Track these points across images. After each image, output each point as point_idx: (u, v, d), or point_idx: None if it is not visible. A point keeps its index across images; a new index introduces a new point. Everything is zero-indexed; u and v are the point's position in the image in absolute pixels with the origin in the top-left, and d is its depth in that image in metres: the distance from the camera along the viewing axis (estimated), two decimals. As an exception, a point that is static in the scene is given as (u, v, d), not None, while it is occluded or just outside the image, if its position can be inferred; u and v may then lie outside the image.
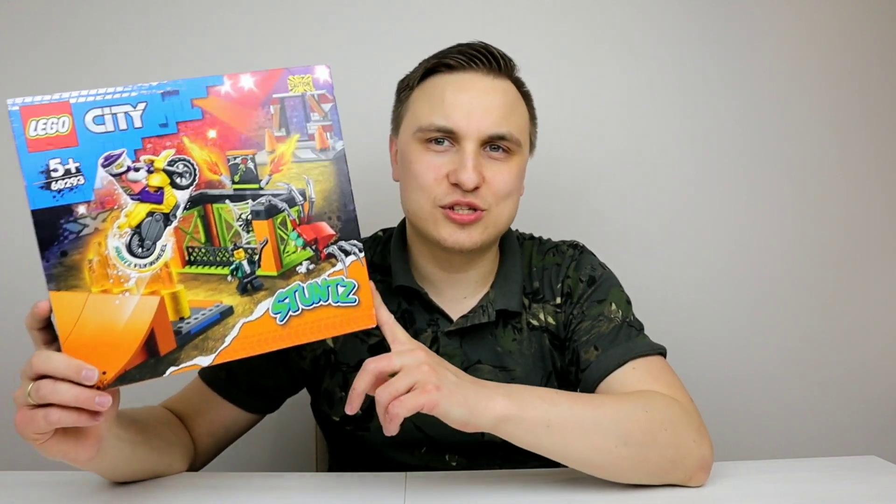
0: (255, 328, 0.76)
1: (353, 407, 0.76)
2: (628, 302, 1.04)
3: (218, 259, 0.75)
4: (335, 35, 1.51)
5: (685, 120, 1.57)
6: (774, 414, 1.62)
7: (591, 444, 0.82)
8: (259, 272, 0.76)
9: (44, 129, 0.70)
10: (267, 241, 0.76)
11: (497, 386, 0.82)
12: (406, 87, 1.02)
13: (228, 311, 0.75)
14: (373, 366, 0.77)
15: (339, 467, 1.14)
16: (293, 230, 0.77)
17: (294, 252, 0.77)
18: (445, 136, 0.95)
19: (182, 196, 0.74)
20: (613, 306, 1.02)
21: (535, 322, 1.06)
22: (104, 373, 0.71)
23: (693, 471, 0.87)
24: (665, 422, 0.85)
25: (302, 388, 1.10)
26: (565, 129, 1.54)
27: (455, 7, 1.52)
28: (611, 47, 1.55)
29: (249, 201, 0.76)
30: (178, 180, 0.74)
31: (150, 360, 0.73)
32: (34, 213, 0.70)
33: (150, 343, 0.73)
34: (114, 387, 0.71)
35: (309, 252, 0.77)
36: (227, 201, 0.75)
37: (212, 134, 0.74)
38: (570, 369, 1.03)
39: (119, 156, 0.72)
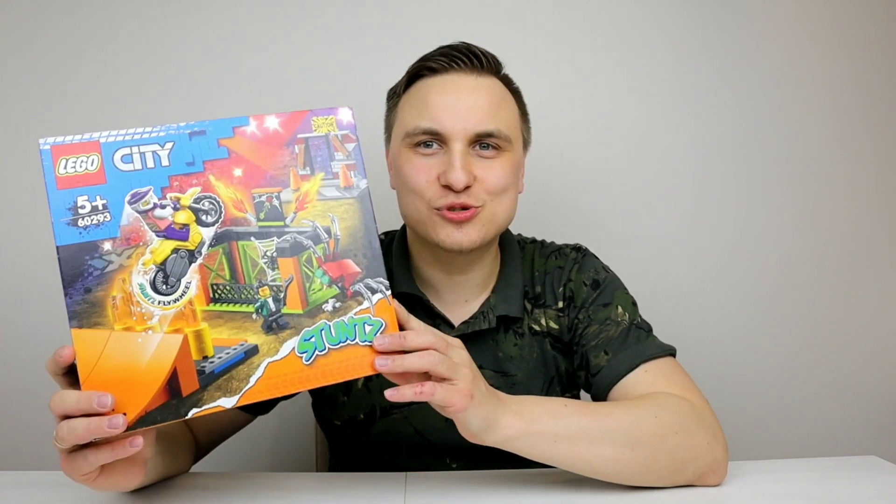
0: (281, 368, 0.74)
1: (388, 346, 0.74)
2: (634, 304, 1.04)
3: (243, 297, 0.74)
4: (333, 40, 1.55)
5: (685, 121, 1.58)
6: (774, 414, 1.62)
7: (598, 455, 0.82)
8: (284, 310, 0.75)
9: (73, 167, 0.71)
10: (292, 279, 0.75)
11: (510, 401, 0.81)
12: (394, 95, 1.04)
13: (253, 350, 0.73)
14: (432, 338, 0.74)
15: (341, 468, 1.11)
16: (319, 268, 0.76)
17: (320, 290, 0.76)
18: (433, 139, 0.96)
19: (207, 233, 0.74)
20: (620, 309, 1.02)
21: (536, 327, 1.06)
22: (124, 414, 0.68)
23: (704, 472, 0.86)
24: (676, 425, 0.85)
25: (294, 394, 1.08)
26: (565, 131, 1.56)
27: (455, 9, 1.54)
28: (611, 49, 1.57)
29: (275, 239, 0.75)
30: (203, 217, 0.74)
31: (173, 400, 0.70)
32: (59, 248, 0.69)
33: (172, 383, 0.70)
34: (135, 429, 0.68)
35: (335, 290, 0.77)
36: (252, 238, 0.75)
37: (237, 172, 0.75)
38: (578, 374, 1.03)
39: (146, 193, 0.72)
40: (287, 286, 0.75)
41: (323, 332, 0.75)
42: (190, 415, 0.71)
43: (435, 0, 1.54)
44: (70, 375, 0.69)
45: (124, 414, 0.67)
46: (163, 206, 0.73)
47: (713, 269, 1.60)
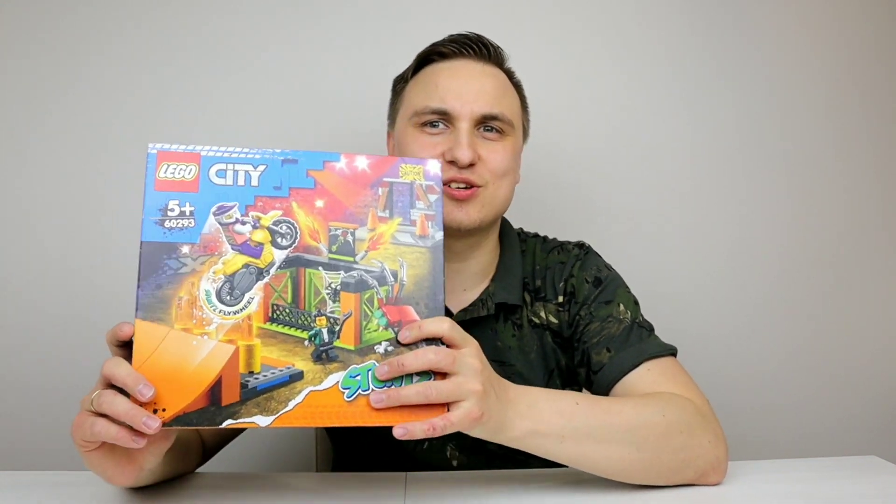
0: (321, 399, 0.74)
1: (387, 374, 0.73)
2: (636, 303, 1.05)
3: (299, 322, 0.75)
4: (336, 32, 1.56)
5: (685, 120, 1.58)
6: (774, 414, 1.61)
7: (605, 455, 0.82)
8: (337, 343, 0.75)
9: (172, 172, 0.76)
10: (351, 314, 0.76)
11: (519, 399, 0.80)
12: (401, 80, 1.08)
13: (298, 376, 0.74)
14: (433, 357, 0.72)
15: (345, 465, 1.10)
16: (379, 308, 0.77)
17: (375, 330, 0.76)
18: (440, 119, 0.99)
19: (279, 255, 0.76)
20: (622, 307, 1.02)
21: (536, 320, 1.06)
22: (164, 410, 0.70)
23: (705, 471, 0.87)
24: (681, 425, 0.85)
25: None
26: (565, 129, 1.56)
27: (457, 8, 1.56)
28: (611, 49, 1.58)
29: (342, 272, 0.77)
30: (279, 240, 0.76)
31: (211, 407, 0.71)
32: (143, 244, 0.73)
33: (214, 390, 0.72)
34: (169, 427, 0.70)
35: (390, 333, 0.76)
36: (320, 268, 0.77)
37: (319, 203, 0.78)
38: (578, 371, 1.03)
39: (231, 208, 0.76)
40: (344, 320, 0.76)
41: (370, 372, 0.75)
42: (224, 425, 0.71)
43: (435, 1, 1.57)
44: (124, 349, 0.72)
45: (161, 421, 0.68)
46: (243, 223, 0.76)
47: (713, 268, 1.60)
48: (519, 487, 0.88)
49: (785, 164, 1.62)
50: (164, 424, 0.70)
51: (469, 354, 0.75)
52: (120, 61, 1.51)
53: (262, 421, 0.72)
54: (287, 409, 0.73)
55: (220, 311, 0.74)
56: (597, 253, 1.12)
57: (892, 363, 1.66)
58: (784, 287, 1.62)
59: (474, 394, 0.74)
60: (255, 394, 0.72)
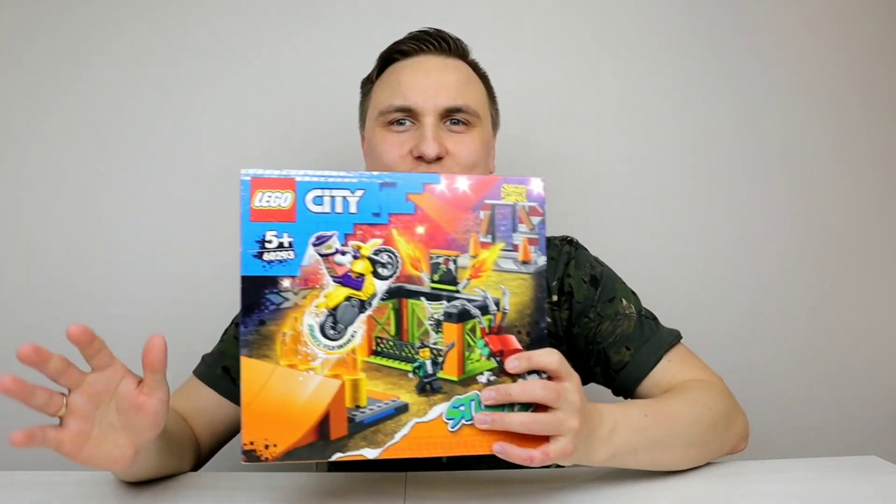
0: (426, 430, 0.74)
1: (493, 401, 0.73)
2: (633, 293, 1.07)
3: (403, 354, 0.74)
4: (336, 32, 1.53)
5: (684, 120, 1.58)
6: (774, 414, 1.62)
7: (669, 457, 0.87)
8: (440, 374, 0.75)
9: (268, 201, 0.72)
10: (454, 345, 0.75)
11: (602, 424, 0.80)
12: (368, 82, 1.10)
13: (404, 408, 0.74)
14: (540, 393, 0.73)
15: (342, 466, 1.15)
16: (481, 338, 0.76)
17: (478, 360, 0.76)
18: (405, 116, 1.00)
19: (381, 286, 0.74)
20: (624, 302, 1.04)
21: None
22: (275, 445, 0.71)
23: (737, 443, 0.95)
24: (721, 412, 0.92)
25: None
26: (565, 130, 1.55)
27: (457, 9, 1.54)
28: (610, 50, 1.56)
29: (444, 302, 0.75)
30: (380, 270, 0.74)
31: (320, 441, 0.72)
32: (243, 278, 0.72)
33: (323, 425, 0.72)
34: (280, 461, 0.71)
35: (493, 363, 0.76)
36: (422, 298, 0.75)
37: (420, 230, 0.75)
38: (594, 371, 1.04)
39: (330, 237, 0.73)
40: (447, 351, 0.75)
41: (473, 402, 0.75)
42: (333, 458, 0.72)
43: (435, 1, 1.54)
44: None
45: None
46: (343, 253, 0.73)
47: (713, 268, 1.60)
48: (519, 487, 0.89)
49: (785, 163, 1.61)
50: (275, 459, 0.71)
51: (571, 390, 0.75)
52: (118, 61, 1.48)
53: (370, 453, 0.73)
54: (394, 441, 0.74)
55: (324, 346, 0.73)
56: (584, 247, 1.12)
57: (892, 363, 1.66)
58: (784, 287, 1.62)
59: (572, 430, 0.74)
60: (362, 427, 0.73)
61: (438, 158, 0.97)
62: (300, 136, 1.52)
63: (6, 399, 1.43)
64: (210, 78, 1.51)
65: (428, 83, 1.00)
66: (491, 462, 0.99)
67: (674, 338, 1.02)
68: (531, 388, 0.73)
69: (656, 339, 1.01)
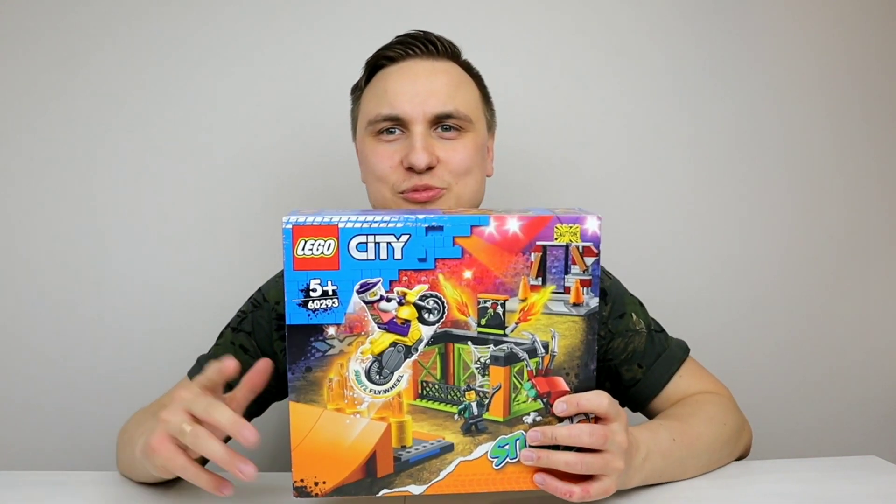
0: (471, 468, 0.75)
1: (538, 443, 0.74)
2: (641, 304, 1.07)
3: (449, 397, 0.74)
4: (335, 30, 1.47)
5: (683, 121, 1.55)
6: (774, 414, 1.61)
7: (691, 472, 0.90)
8: (486, 416, 0.75)
9: (310, 249, 0.70)
10: (500, 387, 0.74)
11: (636, 453, 0.80)
12: (356, 90, 1.05)
13: (448, 448, 0.75)
14: (587, 439, 0.73)
15: None
16: (528, 380, 0.75)
17: (524, 402, 0.75)
18: (394, 125, 0.96)
19: (427, 331, 0.73)
20: (634, 317, 1.04)
21: None
22: (324, 482, 0.73)
23: (744, 452, 1.00)
24: (735, 427, 0.95)
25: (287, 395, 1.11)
26: (565, 131, 1.53)
27: (457, 9, 1.49)
28: (608, 51, 1.52)
29: (491, 346, 0.74)
30: (426, 316, 0.72)
31: (367, 479, 0.74)
32: (289, 327, 0.71)
33: (370, 464, 0.74)
34: (329, 496, 0.73)
35: (539, 404, 0.75)
36: (469, 343, 0.73)
37: (467, 274, 0.72)
38: (604, 384, 1.04)
39: (374, 284, 0.71)
40: (493, 394, 0.75)
41: (518, 441, 0.75)
42: (380, 494, 0.75)
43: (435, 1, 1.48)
44: (218, 389, 0.74)
45: (253, 465, 0.69)
46: (388, 300, 0.72)
47: (712, 268, 1.58)
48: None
49: (785, 164, 1.57)
50: (324, 495, 0.74)
51: (618, 431, 0.75)
52: (116, 60, 1.43)
53: (416, 490, 0.75)
54: (439, 478, 0.75)
55: (370, 391, 0.73)
56: None
57: (893, 362, 1.64)
58: (784, 286, 1.59)
59: (616, 471, 0.75)
60: (407, 466, 0.74)
61: (429, 168, 0.93)
62: (300, 138, 1.47)
63: (6, 399, 1.45)
64: (209, 77, 1.45)
65: (416, 89, 0.95)
66: None
67: (683, 352, 1.03)
68: (577, 434, 0.73)
69: (667, 356, 1.02)
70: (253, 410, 1.05)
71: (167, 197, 1.46)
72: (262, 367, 0.76)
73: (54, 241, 1.45)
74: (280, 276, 1.07)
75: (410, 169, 0.93)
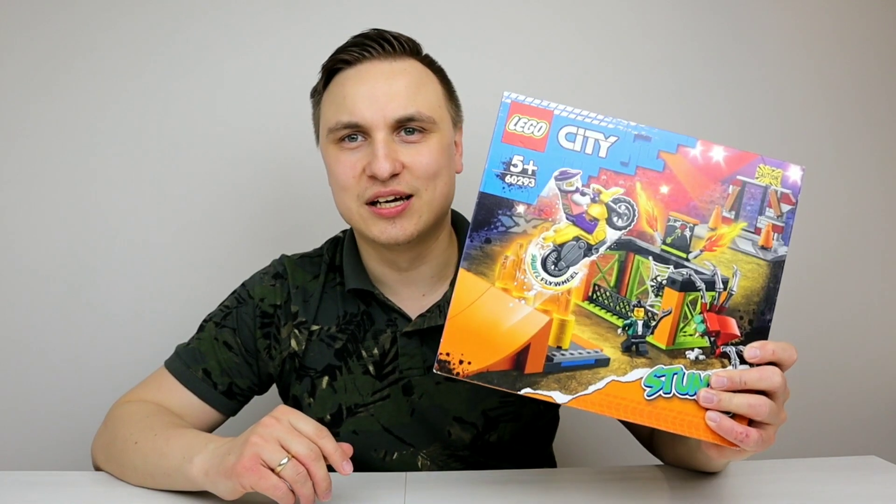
0: (621, 390, 0.72)
1: (725, 388, 0.71)
2: None
3: (617, 308, 0.73)
4: (333, 29, 1.41)
5: (683, 120, 1.55)
6: None
7: None
8: (649, 339, 0.72)
9: (522, 127, 0.73)
10: (670, 313, 0.72)
11: None
12: (315, 94, 1.01)
13: (604, 362, 0.72)
14: (779, 381, 0.70)
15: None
16: (700, 313, 0.72)
17: (691, 335, 0.72)
18: (355, 132, 0.92)
19: (612, 235, 0.73)
20: None
21: None
22: (469, 363, 0.71)
23: None
24: None
25: (268, 389, 1.07)
26: None
27: (456, 9, 1.48)
28: (607, 51, 1.54)
29: (671, 267, 0.73)
30: (615, 219, 0.73)
31: (514, 371, 0.71)
32: (481, 194, 0.73)
33: (520, 356, 0.72)
34: (469, 380, 0.71)
35: (705, 341, 0.72)
36: (650, 258, 0.73)
37: (664, 189, 0.73)
38: None
39: (574, 175, 0.73)
40: (662, 317, 0.73)
41: (675, 375, 0.72)
42: (522, 392, 0.72)
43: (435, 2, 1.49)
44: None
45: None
46: (583, 194, 0.73)
47: None
48: (519, 487, 0.87)
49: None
50: (466, 377, 0.71)
51: (787, 384, 0.71)
52: (114, 59, 1.43)
53: (560, 398, 0.72)
54: (586, 392, 0.72)
55: (541, 279, 0.72)
56: None
57: (893, 363, 1.66)
58: (783, 286, 1.56)
59: (782, 422, 0.72)
60: (558, 369, 0.72)
61: (394, 175, 0.90)
62: (298, 136, 1.43)
63: (6, 399, 1.43)
64: (205, 75, 1.45)
65: (374, 94, 0.91)
66: (460, 451, 0.99)
67: None
68: (770, 376, 0.70)
69: None
70: (238, 407, 1.03)
71: (166, 196, 1.43)
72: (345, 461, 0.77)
73: (56, 241, 1.42)
74: (264, 273, 1.06)
75: (373, 176, 0.90)
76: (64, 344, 1.42)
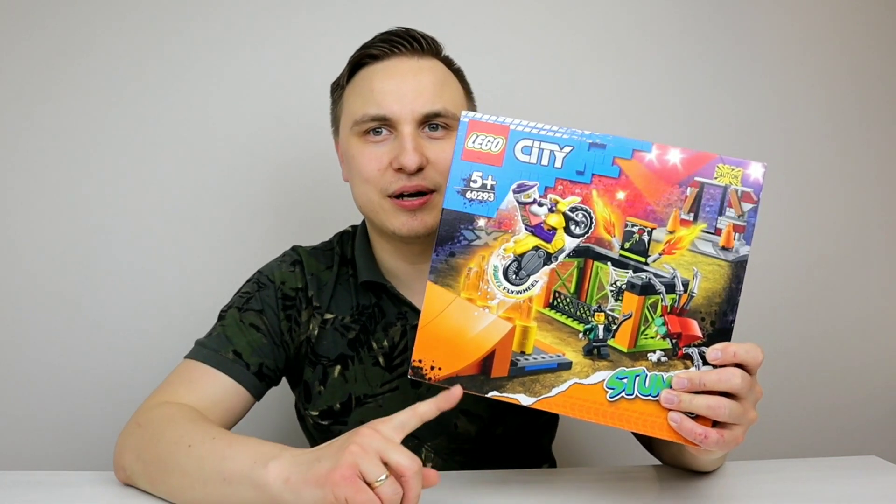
0: (584, 392, 0.74)
1: (685, 389, 0.73)
2: None
3: (578, 314, 0.75)
4: (331, 27, 1.45)
5: (683, 121, 1.55)
6: (774, 414, 1.59)
7: None
8: (611, 342, 0.74)
9: (480, 143, 0.77)
10: (630, 316, 0.74)
11: None
12: (338, 87, 1.02)
13: (566, 365, 0.75)
14: (738, 383, 0.71)
15: None
16: (661, 316, 0.74)
17: (653, 337, 0.74)
18: (382, 125, 0.94)
19: (570, 243, 0.75)
20: None
21: None
22: (439, 368, 0.76)
23: None
24: None
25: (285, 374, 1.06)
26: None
27: (456, 9, 1.48)
28: (606, 51, 1.53)
29: (630, 272, 0.74)
30: (572, 227, 0.75)
31: (480, 376, 0.76)
32: (444, 210, 0.77)
33: (486, 361, 0.76)
34: (439, 385, 0.76)
35: (667, 344, 0.73)
36: (608, 263, 0.74)
37: (620, 195, 0.74)
38: None
39: (531, 187, 0.76)
40: (623, 321, 0.74)
41: (638, 377, 0.74)
42: (489, 395, 0.76)
43: (435, 3, 1.49)
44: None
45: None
46: (540, 205, 0.75)
47: None
48: (519, 487, 0.87)
49: (784, 164, 1.58)
50: (436, 381, 0.76)
51: (756, 382, 0.72)
52: (113, 58, 1.41)
53: (525, 400, 0.75)
54: (550, 394, 0.75)
55: (504, 289, 0.76)
56: None
57: (892, 363, 1.67)
58: (783, 286, 1.60)
59: (750, 422, 0.72)
60: (522, 373, 0.75)
61: (419, 169, 0.92)
62: (297, 136, 1.45)
63: (6, 399, 1.43)
64: (205, 74, 1.44)
65: (403, 89, 0.93)
66: (470, 466, 0.98)
67: None
68: (729, 378, 0.70)
69: None
70: (265, 390, 1.01)
71: (165, 196, 1.43)
72: (455, 395, 0.73)
73: (53, 241, 1.41)
74: (281, 260, 1.07)
75: (400, 170, 0.92)
76: (64, 344, 1.41)
